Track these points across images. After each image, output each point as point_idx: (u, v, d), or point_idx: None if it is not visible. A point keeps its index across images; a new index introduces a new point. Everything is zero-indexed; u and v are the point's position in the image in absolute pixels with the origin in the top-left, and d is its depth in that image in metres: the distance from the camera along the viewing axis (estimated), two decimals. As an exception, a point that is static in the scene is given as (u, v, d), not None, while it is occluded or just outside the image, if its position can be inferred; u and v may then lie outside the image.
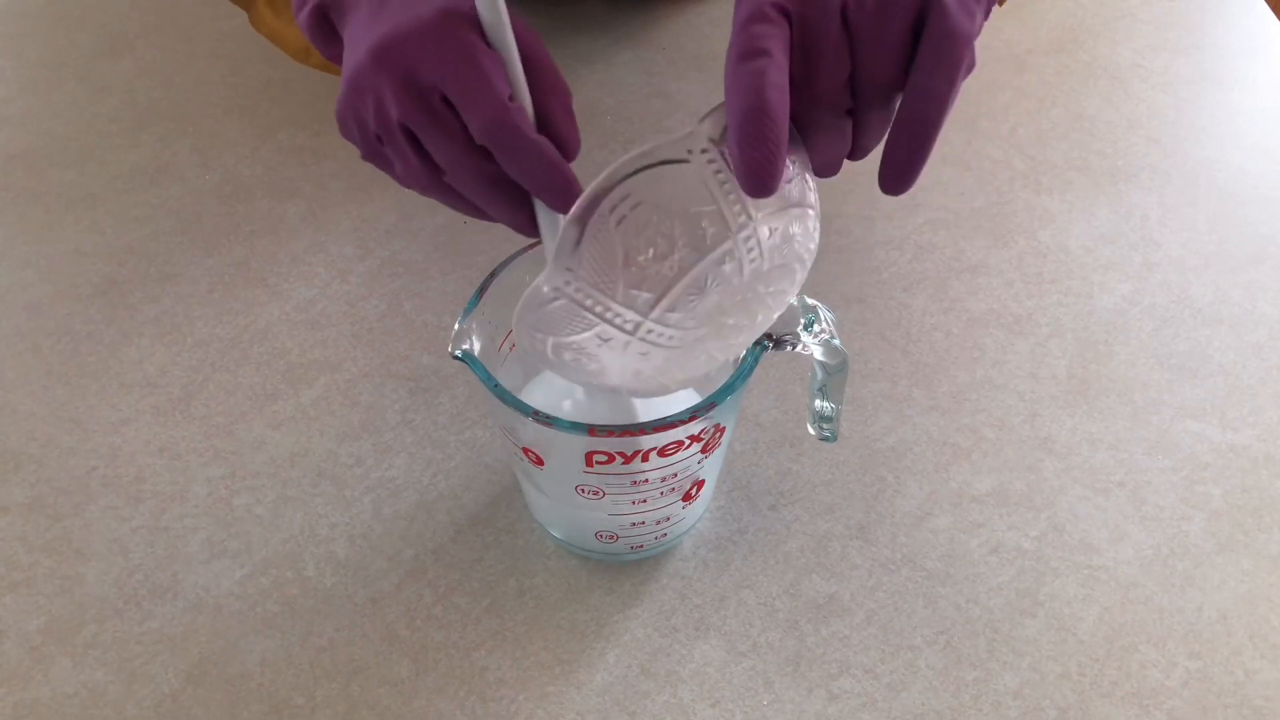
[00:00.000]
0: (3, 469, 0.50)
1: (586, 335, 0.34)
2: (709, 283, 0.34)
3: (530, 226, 0.37)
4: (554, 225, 0.37)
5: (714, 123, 0.32)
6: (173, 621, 0.45)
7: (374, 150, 0.37)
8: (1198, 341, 0.55)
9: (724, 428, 0.41)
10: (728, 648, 0.44)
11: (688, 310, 0.34)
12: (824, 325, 0.40)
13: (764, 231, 0.34)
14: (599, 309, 0.34)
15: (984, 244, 0.60)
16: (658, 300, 0.34)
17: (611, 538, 0.44)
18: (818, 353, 0.40)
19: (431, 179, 0.36)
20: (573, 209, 0.32)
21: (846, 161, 0.36)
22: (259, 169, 0.65)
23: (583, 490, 0.41)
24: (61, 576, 0.46)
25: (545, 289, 0.33)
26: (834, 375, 0.41)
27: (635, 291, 0.33)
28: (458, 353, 0.38)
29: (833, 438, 0.44)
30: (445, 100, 0.34)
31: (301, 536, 0.48)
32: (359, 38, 0.36)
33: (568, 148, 0.36)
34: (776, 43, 0.31)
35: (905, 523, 0.48)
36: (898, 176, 0.33)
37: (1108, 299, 0.57)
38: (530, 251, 0.41)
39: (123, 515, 0.48)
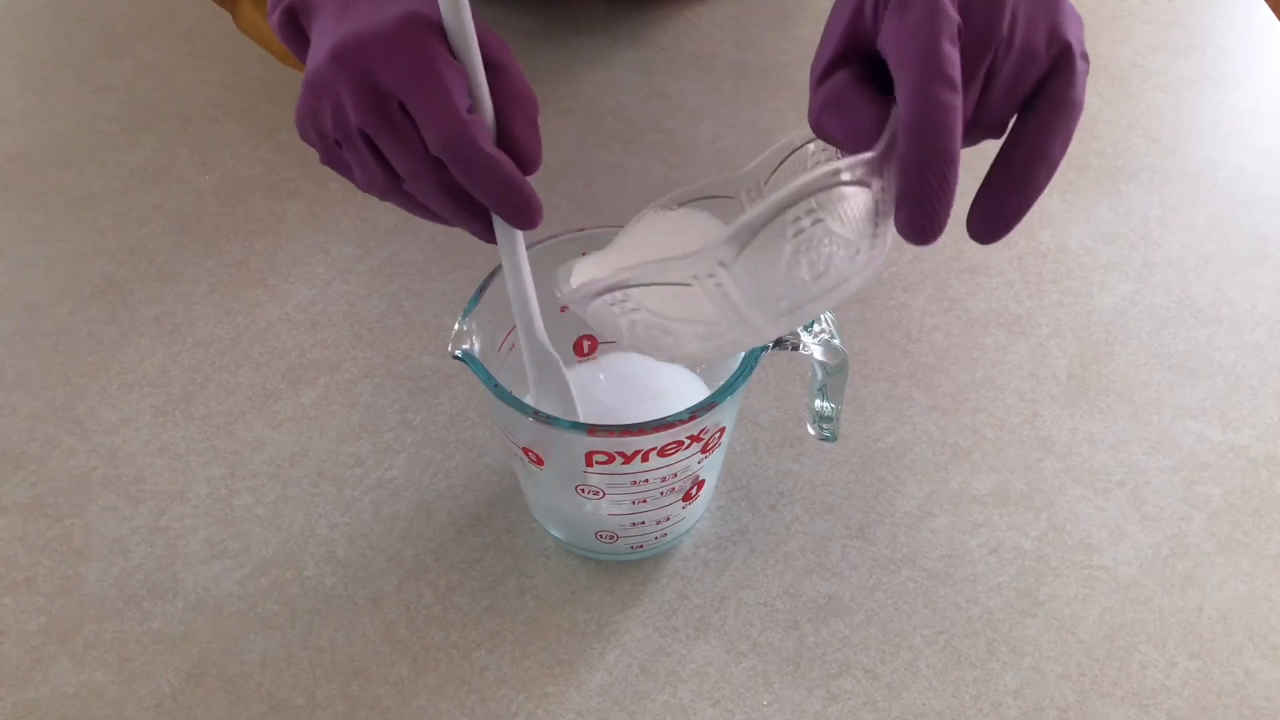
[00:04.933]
0: (3, 469, 0.50)
1: (693, 325, 0.33)
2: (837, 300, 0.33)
3: (491, 235, 0.36)
4: (511, 236, 0.36)
5: (888, 144, 0.31)
6: (173, 621, 0.45)
7: (332, 155, 0.36)
8: (1198, 341, 0.55)
9: (724, 428, 0.41)
10: (728, 648, 0.44)
11: (804, 319, 0.33)
12: (824, 325, 0.40)
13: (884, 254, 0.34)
14: (727, 309, 0.32)
15: (984, 244, 0.60)
16: (791, 311, 0.33)
17: (611, 538, 0.44)
18: (818, 353, 0.40)
19: (390, 186, 0.36)
20: (759, 209, 0.30)
21: None
22: (259, 169, 0.65)
23: (583, 490, 0.41)
24: (61, 576, 0.46)
25: (683, 271, 0.31)
26: (834, 375, 0.41)
27: (776, 302, 0.32)
28: (458, 353, 0.38)
29: (833, 438, 0.44)
30: (404, 108, 0.33)
31: (301, 536, 0.48)
32: (321, 39, 0.35)
33: (527, 161, 0.35)
34: (958, 72, 0.30)
35: (905, 523, 0.48)
36: (996, 228, 0.33)
37: (1108, 299, 0.57)
38: (531, 250, 0.41)
39: (123, 515, 0.48)
